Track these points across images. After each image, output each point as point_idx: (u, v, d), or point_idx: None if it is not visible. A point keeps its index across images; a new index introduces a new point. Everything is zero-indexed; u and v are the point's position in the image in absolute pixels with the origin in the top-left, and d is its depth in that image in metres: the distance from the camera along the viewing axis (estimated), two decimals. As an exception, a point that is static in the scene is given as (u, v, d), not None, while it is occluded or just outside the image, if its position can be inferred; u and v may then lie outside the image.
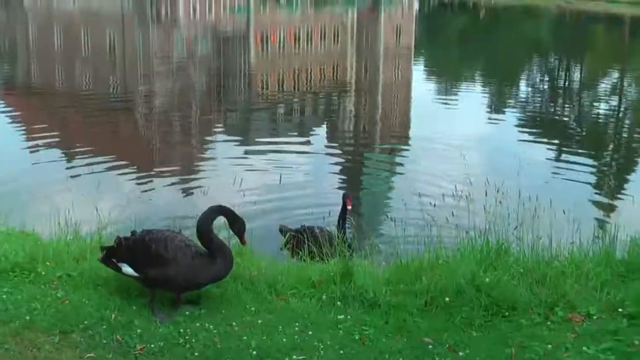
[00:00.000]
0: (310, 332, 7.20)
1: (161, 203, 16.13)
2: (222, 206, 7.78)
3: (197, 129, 25.06)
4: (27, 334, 7.08)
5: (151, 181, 17.63)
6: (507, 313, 7.68)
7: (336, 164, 20.28)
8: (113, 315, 7.40)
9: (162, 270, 7.36)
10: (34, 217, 13.20)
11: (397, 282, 8.15)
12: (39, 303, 7.60)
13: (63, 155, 19.83)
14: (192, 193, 16.99)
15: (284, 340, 7.05)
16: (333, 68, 44.64)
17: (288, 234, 11.62)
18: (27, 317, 7.29)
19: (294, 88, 35.82)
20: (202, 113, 28.05)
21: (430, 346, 7.05)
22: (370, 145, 23.93)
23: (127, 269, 7.62)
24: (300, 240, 11.04)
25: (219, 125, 26.56)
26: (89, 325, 7.22)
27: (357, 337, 7.19)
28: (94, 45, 47.87)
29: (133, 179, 17.78)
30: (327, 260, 9.48)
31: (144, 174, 18.21)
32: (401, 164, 20.50)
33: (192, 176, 18.47)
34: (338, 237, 11.36)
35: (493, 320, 7.58)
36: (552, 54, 54.71)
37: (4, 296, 7.71)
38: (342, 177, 19.12)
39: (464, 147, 19.67)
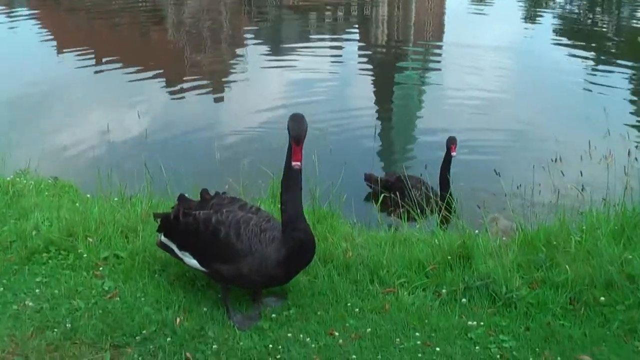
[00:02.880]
0: (437, 348, 5.18)
1: (194, 113, 14.32)
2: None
3: (227, 37, 22.70)
4: (68, 347, 5.20)
5: (183, 91, 15.63)
6: (673, 313, 5.60)
7: (369, 73, 18.00)
8: (178, 320, 5.43)
9: (235, 266, 5.34)
10: (65, 139, 11.51)
11: (528, 267, 6.12)
12: (81, 300, 5.64)
13: (93, 65, 17.69)
14: (223, 101, 15.38)
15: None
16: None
17: (383, 194, 8.98)
18: (68, 324, 5.34)
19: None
20: (233, 21, 25.58)
21: (592, 368, 5.02)
22: (404, 50, 21.38)
23: (190, 261, 5.56)
24: (395, 195, 8.74)
25: (250, 32, 24.07)
26: (148, 335, 5.27)
27: (496, 355, 5.19)
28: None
29: (165, 89, 15.85)
30: (425, 217, 7.37)
31: (175, 83, 16.14)
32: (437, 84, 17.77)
33: (224, 84, 16.52)
34: (446, 191, 9.20)
35: (660, 324, 5.51)
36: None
37: (37, 290, 5.78)
38: (377, 87, 16.88)
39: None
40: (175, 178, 7.93)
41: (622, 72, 17.29)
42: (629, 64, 18.21)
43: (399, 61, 19.30)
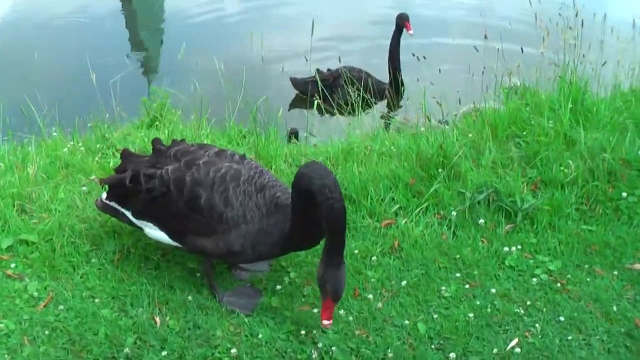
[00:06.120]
0: (491, 289, 4.15)
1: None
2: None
3: None
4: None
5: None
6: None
7: None
8: (157, 320, 3.79)
9: (223, 242, 3.76)
10: None
11: (517, 166, 5.09)
12: (8, 319, 3.83)
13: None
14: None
15: (464, 316, 3.99)
16: None
17: (313, 96, 6.83)
18: (8, 363, 3.48)
19: None
20: None
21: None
22: None
23: (155, 233, 3.89)
24: (336, 94, 7.11)
25: None
26: (131, 353, 3.66)
27: (552, 283, 4.32)
28: None
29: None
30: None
31: None
32: None
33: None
34: (396, 78, 7.75)
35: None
36: None
37: None
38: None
39: None
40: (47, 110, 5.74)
41: None
42: None
43: None
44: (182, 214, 3.76)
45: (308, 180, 3.43)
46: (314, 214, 3.52)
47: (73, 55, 8.46)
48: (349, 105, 6.07)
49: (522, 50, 6.22)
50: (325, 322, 3.59)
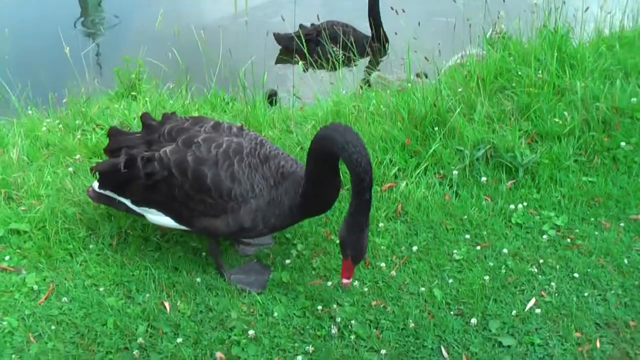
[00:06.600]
0: (503, 249, 4.06)
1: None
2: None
3: None
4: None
5: None
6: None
7: None
8: (167, 305, 3.63)
9: (234, 219, 3.60)
10: None
11: (511, 120, 4.98)
12: (10, 315, 3.61)
13: None
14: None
15: (479, 279, 3.91)
16: None
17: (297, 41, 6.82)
18: None
19: None
20: None
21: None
22: None
23: (159, 219, 3.73)
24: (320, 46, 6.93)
25: None
26: (145, 343, 3.45)
27: (561, 238, 4.24)
28: None
29: None
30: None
31: None
32: None
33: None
34: (378, 33, 7.52)
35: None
36: None
37: None
38: None
39: None
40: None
41: None
42: None
43: None
44: (188, 196, 3.56)
45: (330, 139, 3.26)
46: (330, 177, 3.46)
47: (31, 27, 8.06)
48: (329, 62, 5.90)
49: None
50: (344, 280, 3.48)
